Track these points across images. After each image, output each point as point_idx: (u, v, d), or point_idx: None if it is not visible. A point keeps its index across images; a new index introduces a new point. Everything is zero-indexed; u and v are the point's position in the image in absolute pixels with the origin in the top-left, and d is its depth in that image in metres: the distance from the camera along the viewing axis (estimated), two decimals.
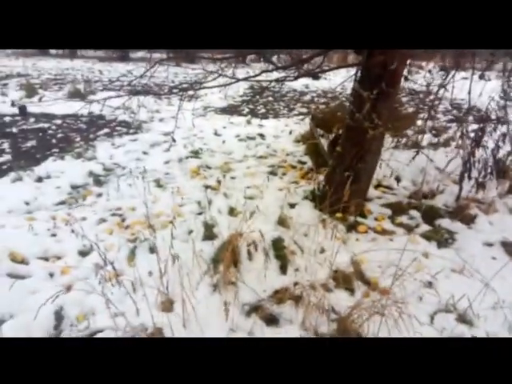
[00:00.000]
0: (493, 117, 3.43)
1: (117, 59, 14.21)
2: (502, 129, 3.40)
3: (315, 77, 9.77)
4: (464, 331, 1.80)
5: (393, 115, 4.10)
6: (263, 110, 6.85)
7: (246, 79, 3.23)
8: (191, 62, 9.60)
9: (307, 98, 8.06)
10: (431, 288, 2.11)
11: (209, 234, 2.55)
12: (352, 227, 2.75)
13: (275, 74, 3.59)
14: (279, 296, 2.02)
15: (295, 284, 2.10)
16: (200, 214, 2.88)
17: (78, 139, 4.85)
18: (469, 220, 2.78)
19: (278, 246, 2.40)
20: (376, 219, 2.89)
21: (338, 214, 2.83)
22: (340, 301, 2.00)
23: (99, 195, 3.25)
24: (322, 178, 3.21)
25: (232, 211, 2.92)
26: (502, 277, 2.17)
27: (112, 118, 5.86)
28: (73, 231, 2.46)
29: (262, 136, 5.07)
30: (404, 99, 7.21)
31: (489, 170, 3.02)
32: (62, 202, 3.10)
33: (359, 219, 2.85)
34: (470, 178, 3.00)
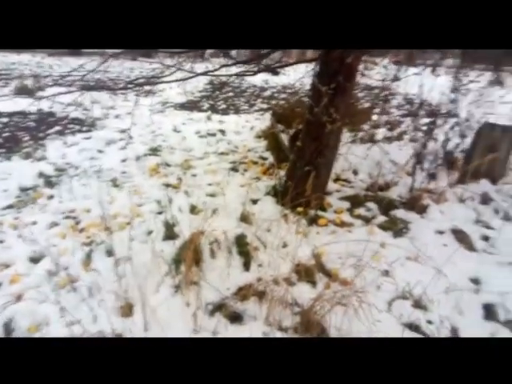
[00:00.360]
0: (443, 111, 3.63)
1: (67, 53, 13.47)
2: (451, 122, 3.60)
3: (274, 72, 9.82)
4: (419, 316, 1.89)
5: (350, 110, 4.22)
6: (224, 106, 6.80)
7: (204, 74, 3.18)
8: (148, 56, 9.29)
9: (267, 93, 8.09)
10: (388, 276, 2.20)
11: (169, 233, 2.49)
12: (313, 221, 2.80)
13: (235, 69, 3.57)
14: (243, 293, 2.01)
15: (258, 280, 2.10)
16: (160, 213, 2.80)
17: (26, 138, 4.56)
18: (421, 210, 2.92)
19: (240, 242, 2.39)
20: (335, 212, 2.96)
21: (300, 209, 2.86)
22: (303, 294, 2.02)
23: (51, 197, 3.07)
24: (283, 173, 3.24)
25: (193, 209, 2.87)
26: (453, 262, 2.30)
27: (63, 115, 5.55)
28: (22, 236, 2.31)
29: (222, 132, 5.02)
30: (360, 95, 7.43)
31: (439, 162, 3.18)
32: (10, 206, 2.90)
33: (319, 213, 2.90)
34: (422, 169, 3.15)
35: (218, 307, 1.91)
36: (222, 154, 4.18)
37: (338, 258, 2.33)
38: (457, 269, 2.25)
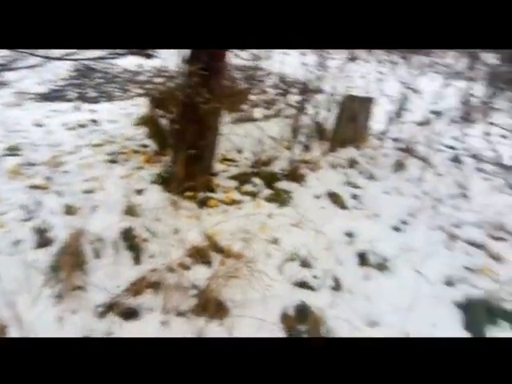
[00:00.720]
0: (311, 87, 3.93)
1: None
2: (319, 97, 3.94)
3: (148, 56, 9.32)
4: (306, 274, 2.07)
5: (226, 91, 4.27)
6: (94, 94, 6.20)
7: (61, 59, 2.83)
8: None
9: (142, 78, 7.65)
10: (276, 244, 2.34)
11: (42, 240, 2.20)
12: (203, 203, 2.79)
13: (98, 53, 3.24)
14: (136, 287, 1.91)
15: (151, 271, 2.02)
16: (28, 219, 2.45)
17: None
18: (301, 179, 3.17)
19: (128, 236, 2.25)
20: (224, 191, 3.01)
21: (188, 193, 2.83)
22: (199, 275, 2.02)
23: None
24: (167, 159, 3.13)
25: (69, 209, 2.58)
26: (330, 221, 2.57)
27: None
28: None
29: (95, 122, 4.59)
30: (237, 75, 7.58)
31: (312, 134, 3.48)
32: None
33: (209, 194, 2.91)
34: (297, 142, 3.39)
35: (109, 307, 1.78)
36: (96, 145, 3.82)
37: (230, 235, 2.39)
38: (333, 226, 2.52)
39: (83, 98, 5.81)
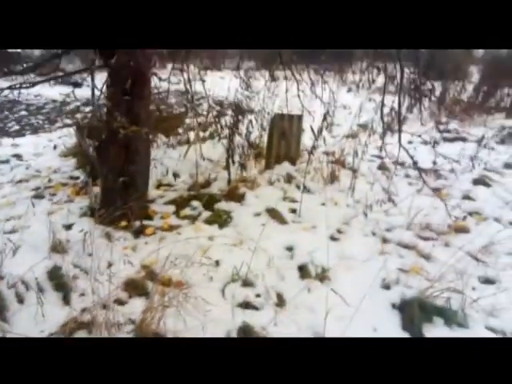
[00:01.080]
0: (242, 108, 4.01)
1: None
2: (251, 117, 4.03)
3: (76, 84, 8.95)
4: (248, 293, 2.05)
5: (159, 115, 4.23)
6: (17, 127, 5.79)
7: None
8: None
9: (71, 107, 7.32)
10: (218, 266, 2.30)
11: None
12: (139, 232, 2.68)
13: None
14: (65, 330, 1.75)
15: (83, 310, 1.87)
16: None
17: None
18: (240, 198, 3.18)
19: (55, 275, 2.08)
20: (162, 217, 2.92)
21: (123, 223, 2.70)
22: (137, 309, 1.91)
23: None
24: (98, 190, 2.98)
25: None
26: (270, 237, 2.59)
27: None
28: None
29: (18, 157, 4.28)
30: (173, 100, 7.55)
31: (246, 153, 3.53)
32: None
33: (146, 222, 2.81)
34: (233, 162, 3.42)
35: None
36: (20, 181, 3.55)
37: (169, 263, 2.30)
38: (274, 242, 2.54)
39: (5, 132, 5.40)
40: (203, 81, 4.27)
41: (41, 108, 7.18)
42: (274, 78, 3.43)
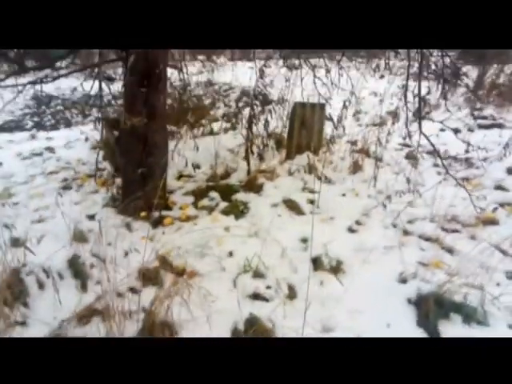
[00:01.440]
0: (262, 97, 3.96)
1: None
2: (271, 106, 3.97)
3: (110, 78, 9.24)
4: (258, 285, 2.04)
5: (176, 108, 4.27)
6: (52, 121, 6.08)
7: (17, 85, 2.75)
8: None
9: (104, 101, 7.56)
10: (232, 257, 2.31)
11: None
12: (158, 223, 2.74)
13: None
14: (81, 316, 1.83)
15: (98, 298, 1.95)
16: None
17: None
18: (258, 188, 3.16)
19: (74, 264, 2.17)
20: (181, 208, 2.96)
21: (143, 213, 2.77)
22: (149, 297, 1.96)
23: None
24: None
25: (16, 242, 2.47)
26: (285, 229, 2.56)
27: None
28: None
29: (51, 149, 4.49)
30: (201, 92, 7.60)
31: (265, 143, 3.49)
32: None
33: (165, 213, 2.86)
34: (252, 152, 3.40)
35: None
36: (51, 173, 3.72)
37: (184, 253, 2.34)
38: (289, 233, 2.51)
39: (40, 126, 5.69)
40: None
41: (75, 102, 7.48)
42: (289, 67, 3.31)
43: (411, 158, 3.74)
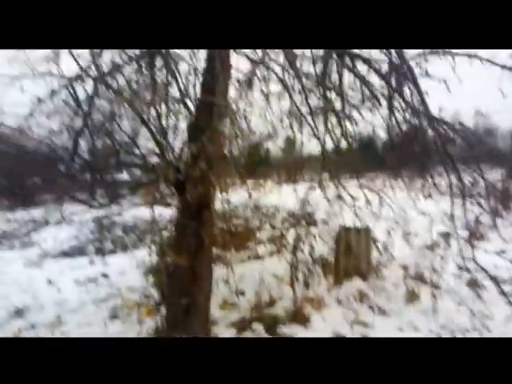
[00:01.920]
0: (307, 219, 4.03)
1: None
2: (316, 229, 4.00)
3: (167, 204, 10.09)
4: None
5: (230, 232, 4.43)
6: (110, 246, 6.53)
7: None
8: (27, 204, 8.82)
9: (161, 225, 8.12)
10: None
11: None
12: None
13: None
14: None
15: None
16: None
17: None
18: (305, 320, 2.97)
19: None
20: None
21: None
22: None
23: None
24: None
25: None
26: None
27: None
28: None
29: (105, 276, 4.71)
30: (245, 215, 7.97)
31: (311, 268, 3.41)
32: None
33: None
34: (297, 279, 3.31)
35: None
36: (101, 301, 3.83)
37: None
38: None
39: (99, 251, 6.11)
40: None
41: (134, 228, 8.11)
42: (325, 194, 3.36)
43: (473, 285, 3.40)
